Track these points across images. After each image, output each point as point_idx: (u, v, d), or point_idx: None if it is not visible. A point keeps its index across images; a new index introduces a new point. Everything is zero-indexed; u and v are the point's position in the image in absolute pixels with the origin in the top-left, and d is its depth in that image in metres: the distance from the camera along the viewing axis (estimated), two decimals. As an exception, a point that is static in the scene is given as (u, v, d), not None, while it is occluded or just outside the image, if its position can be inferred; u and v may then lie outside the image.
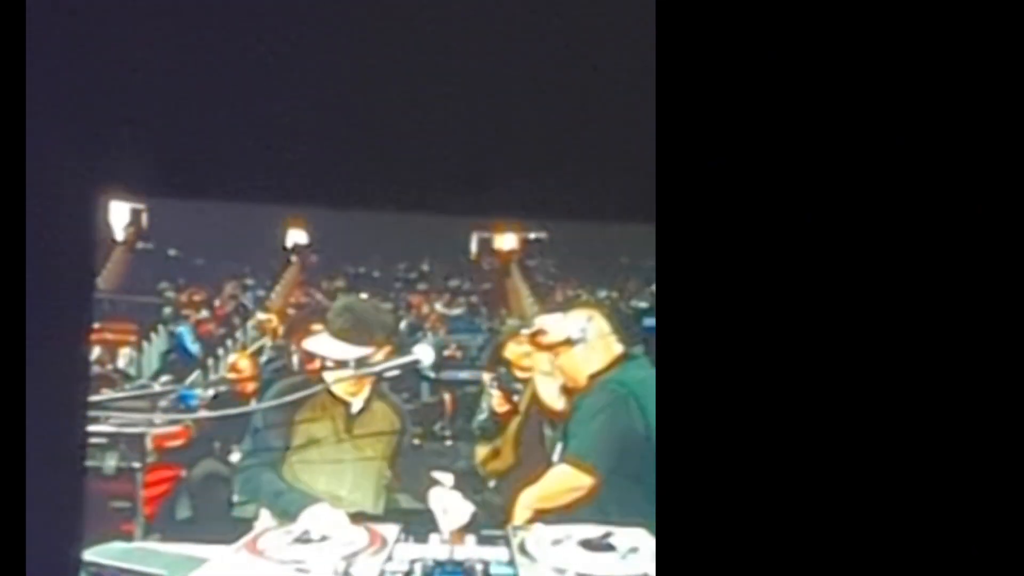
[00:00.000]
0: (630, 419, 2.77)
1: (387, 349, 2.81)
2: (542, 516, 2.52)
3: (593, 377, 2.96)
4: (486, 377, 3.83)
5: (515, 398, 3.72)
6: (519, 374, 3.75)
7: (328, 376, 2.75)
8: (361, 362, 2.52)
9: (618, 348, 3.05)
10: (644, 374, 2.85)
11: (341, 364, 2.53)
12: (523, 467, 3.67)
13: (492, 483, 3.62)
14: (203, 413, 3.11)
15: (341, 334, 2.54)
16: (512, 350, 3.66)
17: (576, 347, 3.09)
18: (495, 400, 3.83)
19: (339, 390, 2.74)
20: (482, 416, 3.84)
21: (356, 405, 2.76)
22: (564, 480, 2.82)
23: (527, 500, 2.89)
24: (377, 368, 2.60)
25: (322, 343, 2.55)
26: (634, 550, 2.08)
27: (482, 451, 3.75)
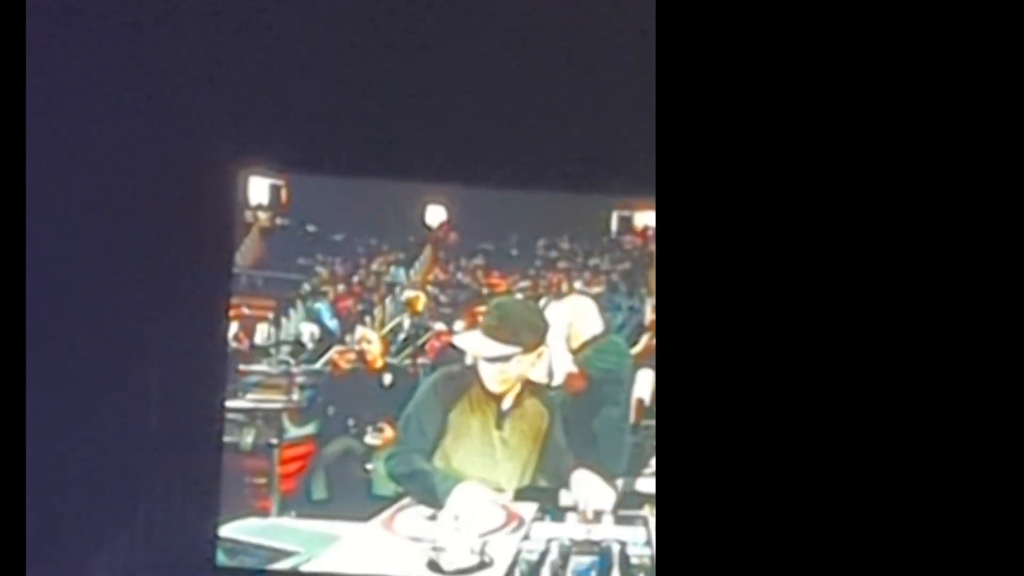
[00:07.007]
0: None
1: (537, 350, 2.89)
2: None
3: None
4: None
5: None
6: None
7: (484, 370, 2.83)
8: (508, 360, 2.63)
9: None
10: None
11: (491, 360, 2.63)
12: None
13: None
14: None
15: (491, 331, 2.61)
16: None
17: None
18: None
19: (494, 386, 2.82)
20: None
21: (507, 402, 2.84)
22: None
23: None
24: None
25: (472, 339, 2.74)
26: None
27: None
